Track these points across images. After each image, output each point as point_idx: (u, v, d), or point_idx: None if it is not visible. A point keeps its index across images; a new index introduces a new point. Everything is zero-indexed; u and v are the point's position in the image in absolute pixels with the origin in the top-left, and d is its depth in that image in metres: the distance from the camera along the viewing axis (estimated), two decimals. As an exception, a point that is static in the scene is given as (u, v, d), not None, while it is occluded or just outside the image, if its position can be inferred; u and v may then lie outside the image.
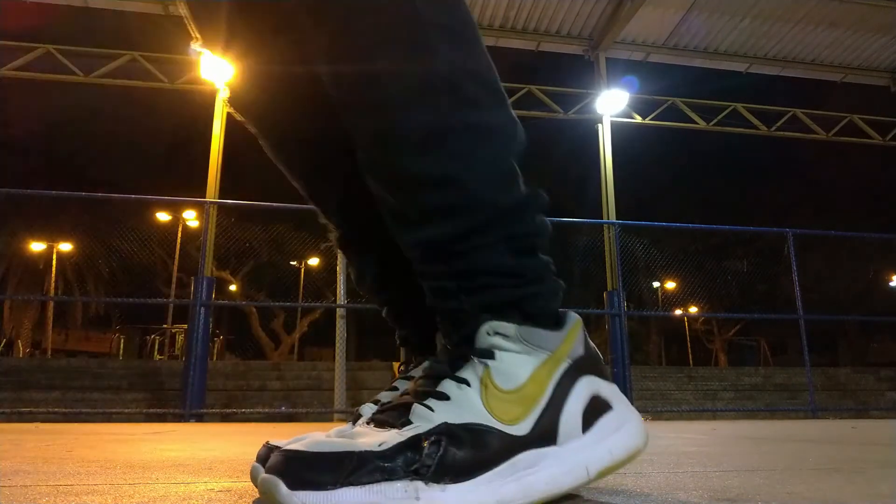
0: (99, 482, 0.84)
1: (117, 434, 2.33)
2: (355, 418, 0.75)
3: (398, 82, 0.61)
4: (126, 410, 7.09)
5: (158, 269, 19.68)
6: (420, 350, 0.84)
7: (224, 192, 7.02)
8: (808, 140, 9.73)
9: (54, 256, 21.68)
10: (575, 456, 0.61)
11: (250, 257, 17.44)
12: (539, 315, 0.65)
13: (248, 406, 8.87)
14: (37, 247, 21.46)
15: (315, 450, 0.54)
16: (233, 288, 20.92)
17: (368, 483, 0.52)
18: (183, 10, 0.79)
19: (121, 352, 21.02)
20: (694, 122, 9.18)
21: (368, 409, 0.74)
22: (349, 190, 0.83)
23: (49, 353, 21.36)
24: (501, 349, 0.63)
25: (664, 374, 13.46)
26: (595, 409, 0.65)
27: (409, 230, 0.65)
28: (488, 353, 0.62)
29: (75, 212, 17.70)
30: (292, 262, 18.48)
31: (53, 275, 21.94)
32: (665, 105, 9.07)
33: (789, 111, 9.43)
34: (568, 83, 9.09)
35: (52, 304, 21.95)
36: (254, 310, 20.84)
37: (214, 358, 17.85)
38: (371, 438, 0.57)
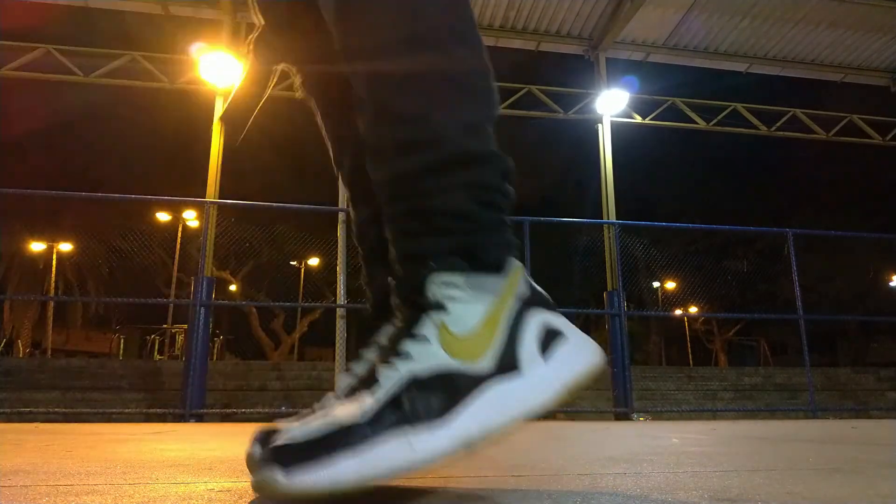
0: (99, 482, 0.84)
1: (117, 434, 2.33)
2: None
3: (390, 34, 0.70)
4: (126, 410, 7.09)
5: (158, 269, 19.68)
6: (383, 315, 0.87)
7: (224, 192, 7.03)
8: (808, 140, 9.73)
9: (54, 256, 21.69)
10: (539, 378, 0.66)
11: (250, 257, 17.45)
12: (486, 261, 0.69)
13: (248, 406, 8.87)
14: (37, 247, 21.46)
15: (300, 435, 0.57)
16: (233, 288, 20.93)
17: (360, 448, 0.56)
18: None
19: (121, 352, 21.03)
20: (694, 122, 9.18)
21: (345, 380, 0.76)
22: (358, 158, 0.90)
23: (49, 353, 21.36)
24: (452, 299, 0.67)
25: (664, 374, 13.47)
26: (549, 339, 0.69)
27: (381, 165, 0.71)
28: (440, 306, 0.67)
29: (75, 212, 17.70)
30: (292, 262, 18.50)
31: (53, 275, 21.96)
32: (665, 105, 9.06)
33: (789, 111, 9.43)
34: (568, 83, 9.09)
35: (52, 304, 21.93)
36: (254, 310, 20.84)
37: (214, 358, 17.86)
38: (348, 409, 0.60)
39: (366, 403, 0.60)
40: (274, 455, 0.56)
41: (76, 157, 24.88)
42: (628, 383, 6.49)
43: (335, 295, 6.79)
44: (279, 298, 19.48)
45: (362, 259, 0.91)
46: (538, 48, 8.75)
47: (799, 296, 6.76)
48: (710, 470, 1.02)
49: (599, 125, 8.35)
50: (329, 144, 0.96)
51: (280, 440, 0.58)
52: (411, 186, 0.69)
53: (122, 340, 21.79)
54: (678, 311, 18.92)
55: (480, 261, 0.69)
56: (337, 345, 6.76)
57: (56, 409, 6.70)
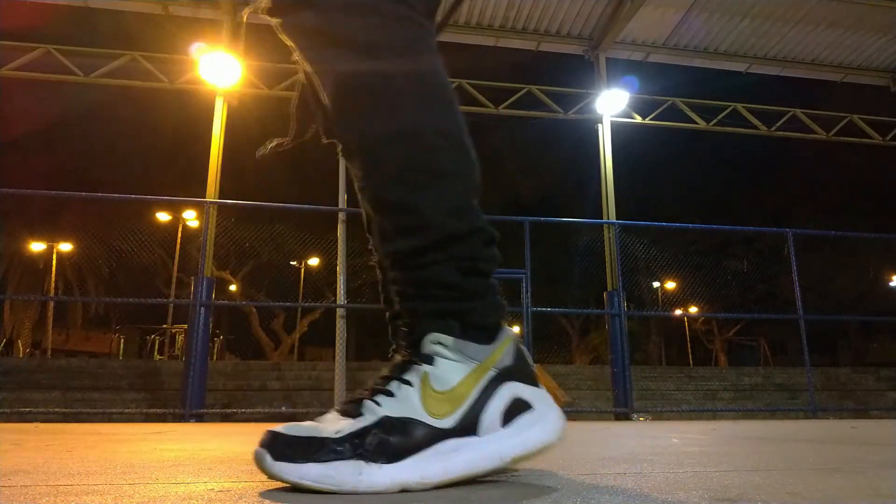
0: (99, 482, 0.84)
1: (117, 434, 2.33)
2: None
3: (377, 130, 0.80)
4: (126, 410, 7.09)
5: (158, 269, 19.68)
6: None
7: (224, 192, 7.03)
8: (808, 140, 9.72)
9: (54, 256, 21.68)
10: (491, 445, 0.76)
11: (250, 257, 17.45)
12: (475, 328, 0.80)
13: (248, 406, 8.88)
14: (37, 247, 21.45)
15: (292, 433, 0.73)
16: (233, 288, 20.93)
17: (325, 461, 0.70)
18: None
19: (121, 352, 21.02)
20: (694, 122, 9.18)
21: (349, 395, 0.92)
22: None
23: (49, 353, 21.35)
24: (440, 356, 0.78)
25: (664, 374, 13.47)
26: (515, 409, 0.79)
27: (384, 242, 0.83)
28: (429, 359, 0.78)
29: (75, 212, 17.69)
30: (292, 262, 18.50)
31: (53, 275, 21.95)
32: (665, 105, 9.06)
33: (789, 111, 9.43)
34: (568, 83, 9.09)
35: (52, 304, 21.92)
36: (254, 310, 20.83)
37: (214, 358, 17.85)
38: (333, 426, 0.74)
39: (343, 426, 0.74)
40: (271, 440, 0.73)
41: (76, 157, 24.90)
42: (628, 383, 6.49)
43: (335, 295, 6.79)
44: (279, 298, 19.47)
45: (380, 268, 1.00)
46: (538, 48, 8.75)
47: (799, 296, 6.76)
48: (710, 470, 1.02)
49: (599, 125, 8.35)
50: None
51: (279, 427, 0.74)
52: (407, 261, 0.81)
53: (122, 340, 21.78)
54: (678, 311, 18.92)
55: (470, 324, 0.79)
56: (337, 345, 6.76)
57: (56, 409, 6.70)
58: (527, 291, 6.30)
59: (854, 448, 1.58)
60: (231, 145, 7.22)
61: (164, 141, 24.96)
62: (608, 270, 7.35)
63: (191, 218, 19.09)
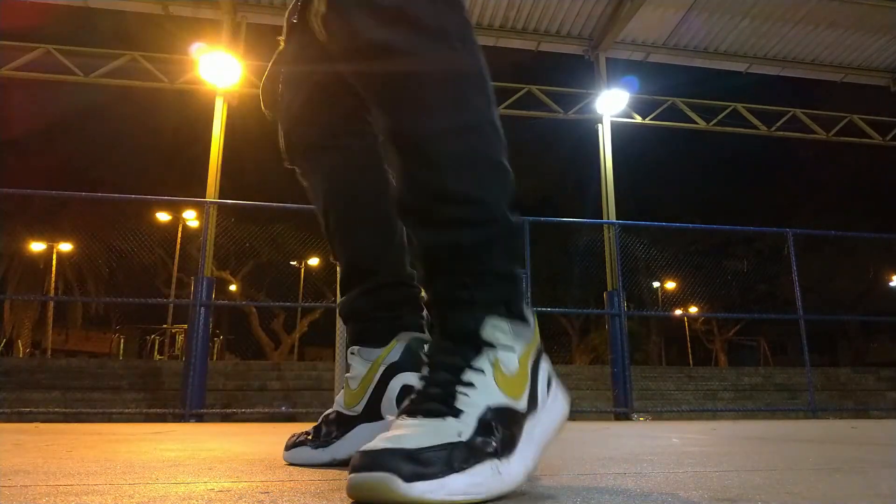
0: (99, 482, 0.84)
1: (117, 434, 2.33)
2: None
3: (443, 123, 0.79)
4: (126, 410, 7.09)
5: (158, 269, 19.66)
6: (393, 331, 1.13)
7: (224, 192, 7.02)
8: (808, 140, 9.72)
9: (54, 256, 21.67)
10: (549, 415, 0.82)
11: (250, 257, 17.43)
12: (518, 311, 0.82)
13: (248, 406, 8.87)
14: (37, 247, 21.44)
15: (407, 445, 0.62)
16: (233, 288, 20.92)
17: (465, 468, 0.63)
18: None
19: (121, 352, 21.02)
20: (694, 122, 9.17)
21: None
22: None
23: (49, 353, 21.34)
24: (499, 343, 0.78)
25: (664, 374, 13.46)
26: (548, 380, 0.85)
27: (439, 235, 0.80)
28: (491, 345, 0.77)
29: (75, 212, 17.68)
30: (292, 262, 18.49)
31: (53, 275, 21.94)
32: (665, 105, 9.05)
33: (789, 111, 9.42)
34: (568, 83, 9.09)
35: (52, 304, 21.92)
36: (254, 310, 20.82)
37: (214, 358, 17.84)
38: (442, 425, 0.67)
39: (457, 425, 0.68)
40: (385, 460, 0.61)
41: (76, 157, 24.86)
42: (628, 383, 6.48)
43: (335, 295, 6.78)
44: (279, 298, 19.45)
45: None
46: (538, 48, 8.75)
47: (799, 296, 6.76)
48: (710, 470, 1.02)
49: (599, 125, 8.35)
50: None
51: (378, 444, 0.63)
52: (466, 253, 0.79)
53: (122, 340, 21.79)
54: (678, 311, 18.90)
55: (514, 311, 0.81)
56: (337, 345, 6.75)
57: (56, 409, 6.70)
58: (527, 291, 6.30)
59: (854, 448, 1.58)
60: (231, 145, 7.22)
61: (164, 141, 24.94)
62: (608, 270, 7.35)
63: (191, 218, 19.07)
